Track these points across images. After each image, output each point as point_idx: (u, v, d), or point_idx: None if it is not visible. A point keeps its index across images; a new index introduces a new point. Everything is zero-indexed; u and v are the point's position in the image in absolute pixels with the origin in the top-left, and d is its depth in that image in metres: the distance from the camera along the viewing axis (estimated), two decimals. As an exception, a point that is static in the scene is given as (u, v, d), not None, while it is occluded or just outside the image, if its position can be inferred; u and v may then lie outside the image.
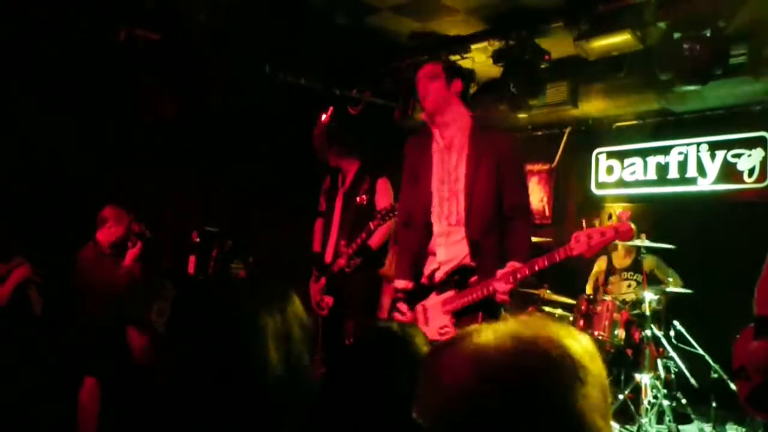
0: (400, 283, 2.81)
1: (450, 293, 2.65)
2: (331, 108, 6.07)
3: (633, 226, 2.37)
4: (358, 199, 3.85)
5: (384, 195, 3.85)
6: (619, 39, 4.21)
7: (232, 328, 1.11)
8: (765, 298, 2.50)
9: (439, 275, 2.72)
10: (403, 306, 2.76)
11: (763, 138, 4.85)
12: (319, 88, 5.77)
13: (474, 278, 2.61)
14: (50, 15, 4.21)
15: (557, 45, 4.71)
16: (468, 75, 2.86)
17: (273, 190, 5.65)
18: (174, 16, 4.43)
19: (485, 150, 2.68)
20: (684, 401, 4.27)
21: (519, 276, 2.45)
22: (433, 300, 2.70)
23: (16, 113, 4.23)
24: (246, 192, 5.59)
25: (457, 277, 2.67)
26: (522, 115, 5.26)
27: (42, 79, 4.35)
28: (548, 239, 4.66)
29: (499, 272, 2.48)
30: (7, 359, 3.57)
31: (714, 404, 4.12)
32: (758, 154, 4.85)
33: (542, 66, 4.83)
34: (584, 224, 2.40)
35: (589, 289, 4.99)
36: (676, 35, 3.90)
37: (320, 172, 4.29)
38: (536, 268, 2.42)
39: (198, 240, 5.42)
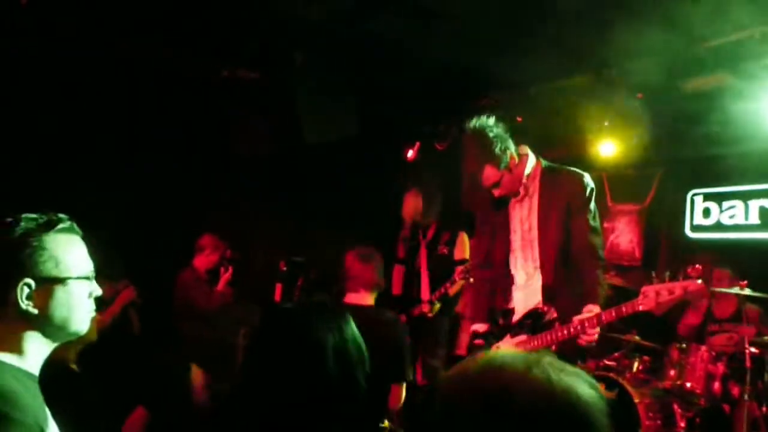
0: (478, 326, 2.89)
1: (522, 337, 2.68)
2: (417, 143, 6.23)
3: (704, 283, 2.26)
4: (439, 249, 4.37)
5: (461, 247, 4.32)
6: (717, 77, 4.07)
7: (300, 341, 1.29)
8: None
9: (515, 318, 2.78)
10: (479, 346, 2.80)
11: None
12: (407, 123, 5.91)
13: (546, 322, 2.64)
14: (158, 55, 4.57)
15: (653, 79, 4.57)
16: (504, 128, 2.84)
17: (360, 222, 5.80)
18: (273, 56, 4.72)
19: (555, 194, 2.72)
20: (789, 466, 3.95)
21: (587, 326, 2.43)
22: (507, 342, 2.73)
23: (126, 151, 4.60)
24: (333, 223, 5.77)
25: (530, 321, 2.70)
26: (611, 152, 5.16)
27: (147, 116, 4.73)
28: (628, 285, 4.46)
29: (576, 319, 2.48)
30: (108, 378, 3.83)
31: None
32: None
33: (635, 103, 4.73)
34: (654, 277, 2.32)
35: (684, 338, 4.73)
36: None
37: (401, 223, 4.62)
38: (604, 319, 2.40)
39: (285, 269, 5.64)
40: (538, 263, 2.72)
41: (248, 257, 5.22)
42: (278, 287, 5.71)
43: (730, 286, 4.42)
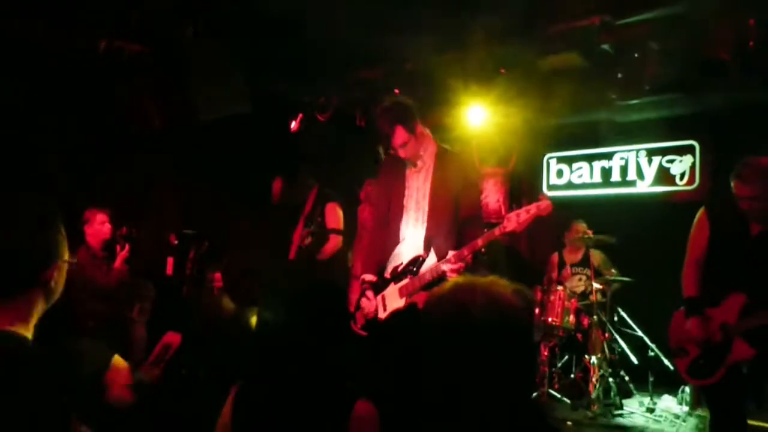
0: (368, 276, 3.25)
1: (406, 281, 3.08)
2: (300, 114, 6.43)
3: (550, 202, 2.73)
4: (313, 223, 4.57)
5: (332, 217, 4.55)
6: (568, 58, 4.71)
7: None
8: (688, 282, 3.02)
9: (399, 269, 3.16)
10: (370, 293, 3.18)
11: (692, 146, 5.48)
12: (289, 96, 6.09)
13: (426, 266, 3.03)
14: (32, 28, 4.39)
15: (513, 56, 5.16)
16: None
17: (247, 193, 5.96)
18: (159, 30, 4.69)
19: (449, 168, 3.12)
20: (626, 378, 4.83)
21: (463, 255, 2.85)
22: (391, 288, 3.13)
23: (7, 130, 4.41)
24: (221, 195, 5.88)
25: (413, 267, 3.09)
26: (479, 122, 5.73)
27: (29, 87, 4.54)
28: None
29: (450, 255, 2.89)
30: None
31: (651, 379, 4.68)
32: (688, 160, 5.48)
33: (498, 78, 5.30)
34: (515, 207, 2.81)
35: (545, 282, 5.50)
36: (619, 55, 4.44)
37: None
38: (478, 245, 2.82)
39: (176, 242, 5.68)
40: (426, 224, 3.11)
41: (139, 231, 5.22)
42: (170, 261, 5.75)
43: (583, 236, 5.23)
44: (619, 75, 4.44)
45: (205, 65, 4.69)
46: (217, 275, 5.88)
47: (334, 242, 4.45)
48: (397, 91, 5.79)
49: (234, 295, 5.99)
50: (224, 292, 5.98)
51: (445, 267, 2.86)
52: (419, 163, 3.18)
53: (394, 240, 3.23)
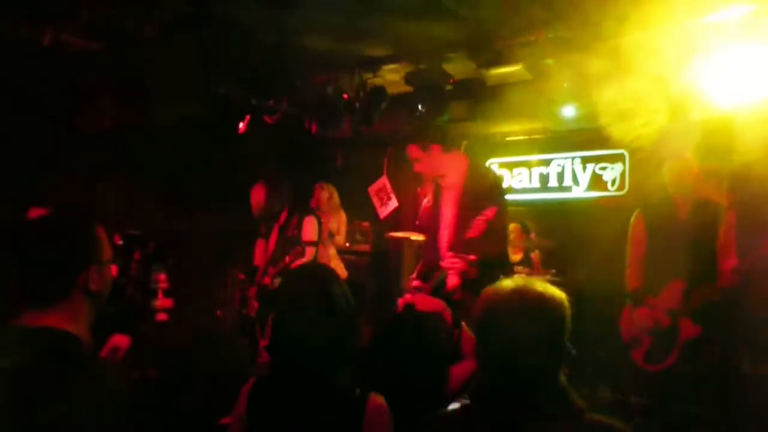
0: (415, 282, 3.42)
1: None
2: (247, 116, 6.45)
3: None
4: (289, 233, 4.79)
5: (309, 230, 4.74)
6: (513, 70, 5.01)
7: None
8: (632, 278, 3.33)
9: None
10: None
11: (623, 154, 5.91)
12: (237, 98, 6.12)
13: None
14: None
15: (461, 68, 5.42)
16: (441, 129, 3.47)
17: (195, 193, 5.93)
18: (112, 27, 4.65)
19: (473, 189, 3.29)
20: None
21: (452, 256, 3.11)
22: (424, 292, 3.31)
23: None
24: (168, 196, 5.82)
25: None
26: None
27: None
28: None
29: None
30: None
31: (588, 370, 5.02)
32: (619, 167, 5.91)
33: (447, 88, 5.54)
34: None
35: None
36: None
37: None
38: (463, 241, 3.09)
39: (121, 243, 5.56)
40: (449, 241, 3.31)
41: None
42: (114, 261, 5.64)
43: (521, 237, 5.54)
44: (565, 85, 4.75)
45: (161, 65, 4.67)
46: (162, 276, 5.81)
47: (308, 254, 4.64)
48: (345, 96, 5.94)
49: (180, 297, 5.96)
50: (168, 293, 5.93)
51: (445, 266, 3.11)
52: (447, 181, 3.36)
53: (437, 253, 3.38)
